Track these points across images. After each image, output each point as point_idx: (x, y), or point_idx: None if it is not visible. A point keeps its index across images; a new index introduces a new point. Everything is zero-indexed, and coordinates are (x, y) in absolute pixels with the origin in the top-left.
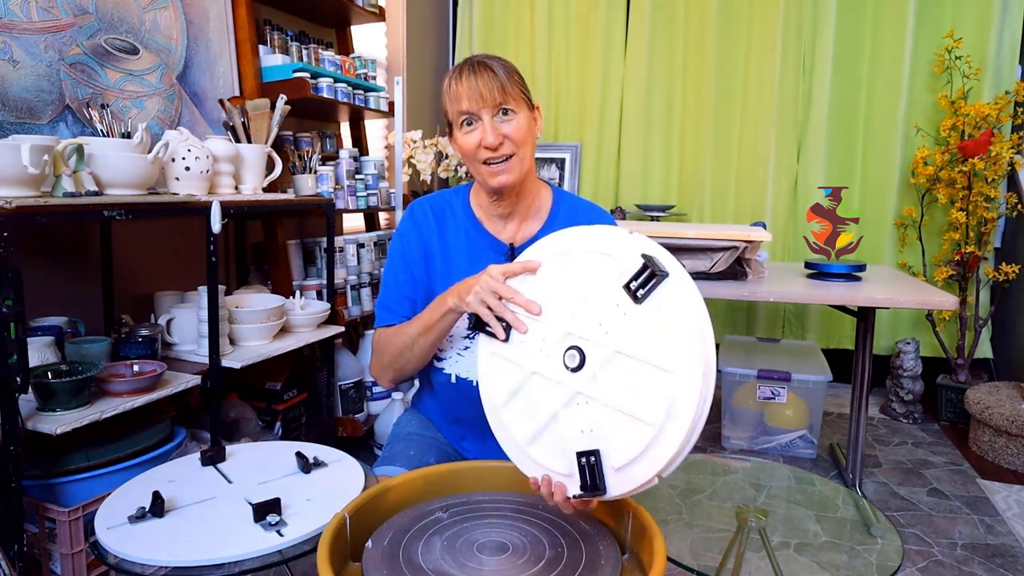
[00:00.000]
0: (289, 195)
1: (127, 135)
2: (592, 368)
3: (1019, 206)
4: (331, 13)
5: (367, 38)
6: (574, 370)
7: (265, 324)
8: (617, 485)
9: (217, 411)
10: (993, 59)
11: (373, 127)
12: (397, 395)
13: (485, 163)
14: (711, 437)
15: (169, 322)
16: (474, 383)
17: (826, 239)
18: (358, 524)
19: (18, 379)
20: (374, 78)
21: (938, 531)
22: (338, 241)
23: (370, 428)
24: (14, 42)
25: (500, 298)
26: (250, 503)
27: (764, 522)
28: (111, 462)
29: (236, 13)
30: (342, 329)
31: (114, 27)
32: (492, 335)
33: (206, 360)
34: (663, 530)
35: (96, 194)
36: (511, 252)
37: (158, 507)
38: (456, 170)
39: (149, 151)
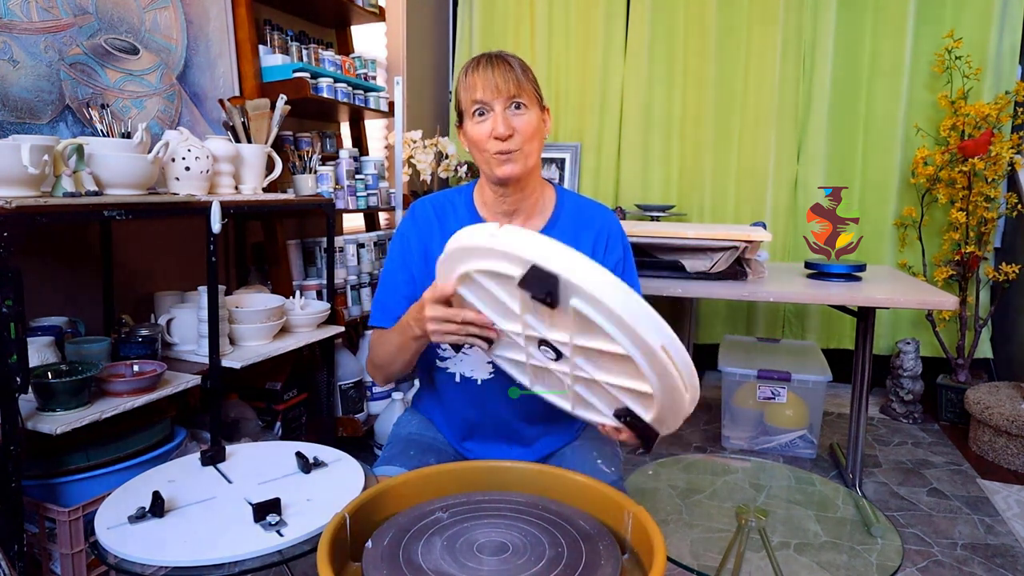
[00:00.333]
0: (289, 195)
1: (127, 135)
2: (570, 358)
3: (1019, 206)
4: (331, 13)
5: (367, 38)
6: (557, 360)
7: (265, 324)
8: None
9: (217, 411)
10: (993, 59)
11: (373, 127)
12: (397, 395)
13: (492, 154)
14: (711, 437)
15: (169, 322)
16: (479, 382)
17: (826, 239)
18: (358, 524)
19: (18, 379)
20: (374, 78)
21: (938, 531)
22: (338, 241)
23: (370, 428)
24: (14, 42)
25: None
26: (250, 503)
27: (764, 522)
28: (111, 462)
29: (236, 13)
30: (342, 329)
31: (114, 27)
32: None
33: (206, 360)
34: (663, 530)
35: (96, 194)
36: None
37: (158, 507)
38: (456, 170)
39: (149, 151)
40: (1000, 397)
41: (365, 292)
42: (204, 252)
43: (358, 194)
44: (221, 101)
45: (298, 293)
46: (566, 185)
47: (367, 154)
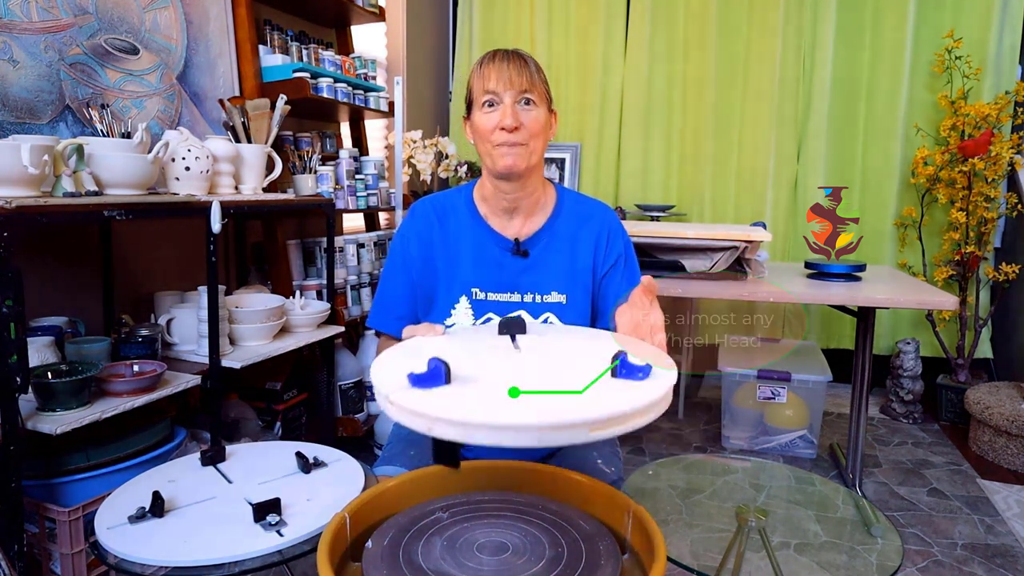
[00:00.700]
0: (289, 195)
1: (127, 135)
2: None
3: (1019, 206)
4: (331, 13)
5: (367, 38)
6: None
7: (265, 324)
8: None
9: (217, 411)
10: (993, 59)
11: (373, 127)
12: None
13: (497, 146)
14: (711, 437)
15: (169, 322)
16: None
17: (826, 239)
18: (358, 524)
19: (18, 379)
20: (374, 78)
21: (938, 531)
22: (338, 241)
23: (370, 428)
24: (14, 42)
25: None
26: (250, 503)
27: (764, 522)
28: (111, 462)
29: (236, 13)
30: (342, 329)
31: (114, 27)
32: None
33: (206, 360)
34: (663, 530)
35: (96, 194)
36: (516, 246)
37: (158, 507)
38: (456, 170)
39: (149, 151)
40: (1000, 397)
41: (365, 292)
42: (204, 252)
43: (358, 194)
44: (221, 101)
45: (298, 293)
46: (566, 185)
47: (367, 154)
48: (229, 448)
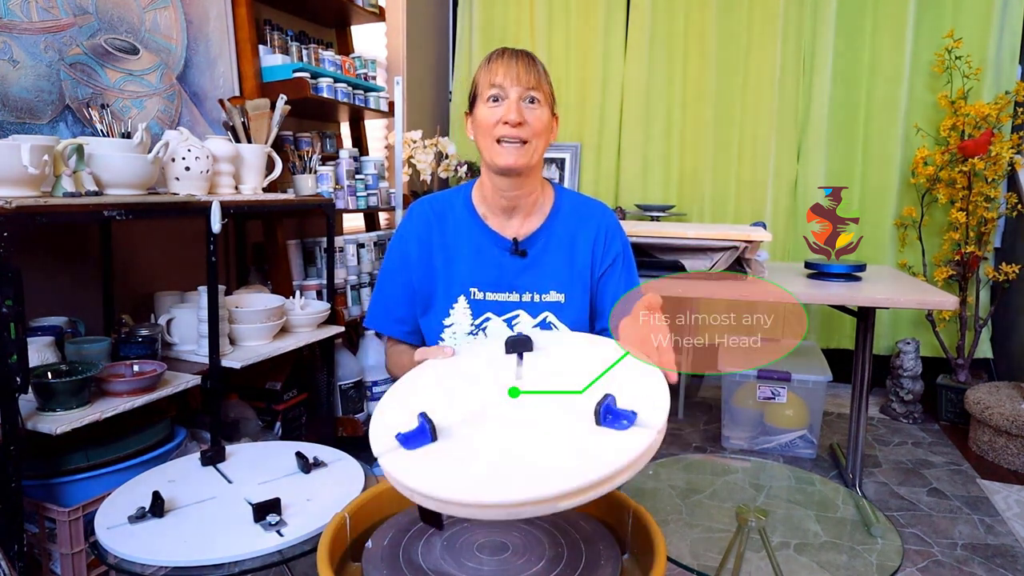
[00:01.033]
0: (289, 195)
1: (127, 135)
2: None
3: (1019, 206)
4: (331, 13)
5: (367, 38)
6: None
7: (265, 324)
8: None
9: (217, 411)
10: (993, 59)
11: (373, 127)
12: None
13: (498, 141)
14: (711, 437)
15: (169, 322)
16: None
17: (826, 239)
18: (358, 524)
19: (18, 379)
20: (374, 78)
21: (938, 531)
22: (338, 241)
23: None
24: (14, 42)
25: None
26: (250, 503)
27: (764, 522)
28: (111, 462)
29: (236, 13)
30: (342, 329)
31: (114, 27)
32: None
33: (206, 360)
34: (663, 530)
35: (96, 194)
36: (515, 246)
37: (158, 507)
38: (456, 170)
39: (149, 151)
40: (1000, 397)
41: (365, 292)
42: (204, 252)
43: (358, 194)
44: (221, 101)
45: (298, 293)
46: (566, 185)
47: (367, 154)
48: (229, 448)
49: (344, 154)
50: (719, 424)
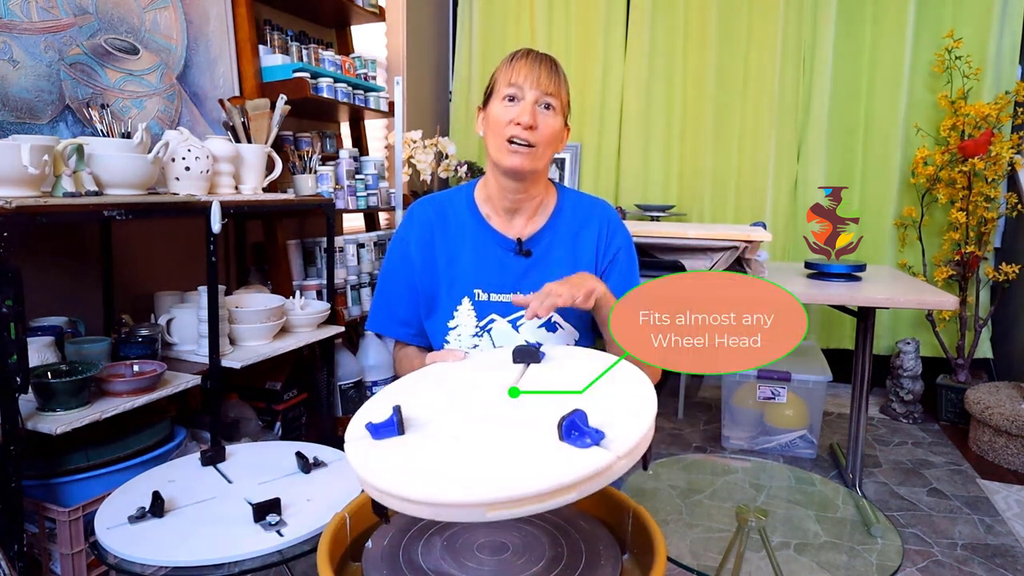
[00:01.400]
0: (289, 195)
1: (127, 135)
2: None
3: (1019, 206)
4: (331, 13)
5: (367, 38)
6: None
7: (265, 324)
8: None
9: (217, 411)
10: (993, 59)
11: (373, 127)
12: None
13: (508, 141)
14: (711, 437)
15: (169, 322)
16: None
17: (826, 239)
18: (358, 524)
19: (18, 379)
20: (374, 78)
21: (938, 531)
22: (338, 241)
23: None
24: (14, 42)
25: None
26: (250, 503)
27: (764, 522)
28: (111, 462)
29: (236, 13)
30: (342, 329)
31: (114, 27)
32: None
33: (206, 360)
34: (663, 530)
35: (96, 194)
36: (519, 246)
37: (158, 507)
38: (456, 170)
39: (149, 151)
40: (1000, 397)
41: (365, 292)
42: (204, 252)
43: (358, 194)
44: (221, 101)
45: (298, 293)
46: (566, 185)
47: (367, 154)
48: (229, 448)
49: (344, 154)
50: (719, 424)
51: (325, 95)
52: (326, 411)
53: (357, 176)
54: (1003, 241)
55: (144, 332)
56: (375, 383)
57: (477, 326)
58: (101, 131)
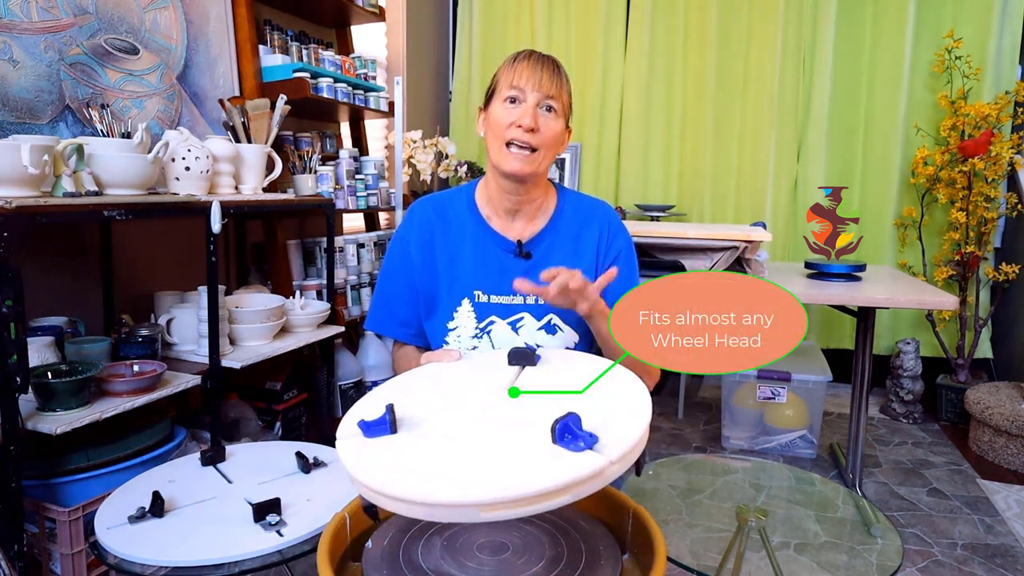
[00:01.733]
0: (289, 195)
1: (127, 135)
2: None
3: (1019, 206)
4: (331, 13)
5: (367, 38)
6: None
7: (265, 324)
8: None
9: (217, 411)
10: (993, 59)
11: (373, 127)
12: None
13: (508, 144)
14: (711, 437)
15: (169, 322)
16: None
17: (826, 239)
18: (358, 524)
19: (18, 379)
20: (374, 78)
21: (938, 531)
22: (338, 241)
23: None
24: (14, 42)
25: None
26: (250, 503)
27: (764, 522)
28: (111, 462)
29: (236, 13)
30: (342, 329)
31: (114, 27)
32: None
33: (206, 360)
34: (663, 530)
35: (96, 194)
36: (519, 248)
37: (158, 507)
38: (456, 170)
39: (149, 151)
40: (1000, 397)
41: (365, 292)
42: (204, 252)
43: (358, 194)
44: (221, 101)
45: (298, 293)
46: (566, 185)
47: (367, 154)
48: (229, 448)
49: (344, 154)
50: (719, 424)
51: (325, 95)
52: (326, 411)
53: (357, 176)
54: (1003, 241)
55: (144, 332)
56: (375, 383)
57: (477, 327)
58: (101, 131)
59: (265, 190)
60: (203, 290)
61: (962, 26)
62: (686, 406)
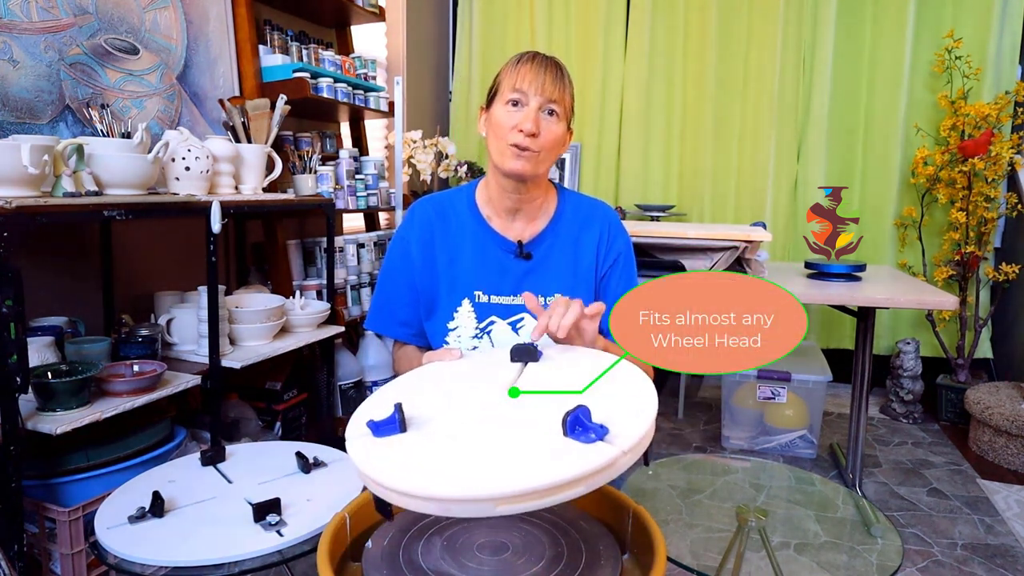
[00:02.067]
0: (289, 195)
1: (127, 135)
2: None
3: (1019, 206)
4: (331, 13)
5: (367, 38)
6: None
7: (265, 324)
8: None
9: (217, 411)
10: (993, 59)
11: (373, 127)
12: None
13: (510, 146)
14: (711, 437)
15: (169, 322)
16: None
17: (826, 239)
18: (358, 524)
19: (18, 379)
20: (374, 78)
21: (938, 531)
22: (338, 241)
23: None
24: (14, 42)
25: None
26: (250, 503)
27: (764, 522)
28: (111, 462)
29: (236, 13)
30: (342, 329)
31: (114, 27)
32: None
33: (206, 360)
34: (663, 530)
35: (96, 194)
36: (520, 249)
37: (158, 507)
38: (456, 170)
39: (149, 151)
40: (1000, 397)
41: (365, 292)
42: (204, 252)
43: (358, 194)
44: (221, 101)
45: (298, 293)
46: (566, 185)
47: (367, 154)
48: (229, 448)
49: (344, 154)
50: (719, 424)
51: (325, 95)
52: (326, 411)
53: (357, 176)
54: (1003, 241)
55: (144, 332)
56: (375, 383)
57: (477, 328)
58: (101, 131)
59: (265, 190)
60: (203, 290)
61: (962, 26)
62: (686, 406)
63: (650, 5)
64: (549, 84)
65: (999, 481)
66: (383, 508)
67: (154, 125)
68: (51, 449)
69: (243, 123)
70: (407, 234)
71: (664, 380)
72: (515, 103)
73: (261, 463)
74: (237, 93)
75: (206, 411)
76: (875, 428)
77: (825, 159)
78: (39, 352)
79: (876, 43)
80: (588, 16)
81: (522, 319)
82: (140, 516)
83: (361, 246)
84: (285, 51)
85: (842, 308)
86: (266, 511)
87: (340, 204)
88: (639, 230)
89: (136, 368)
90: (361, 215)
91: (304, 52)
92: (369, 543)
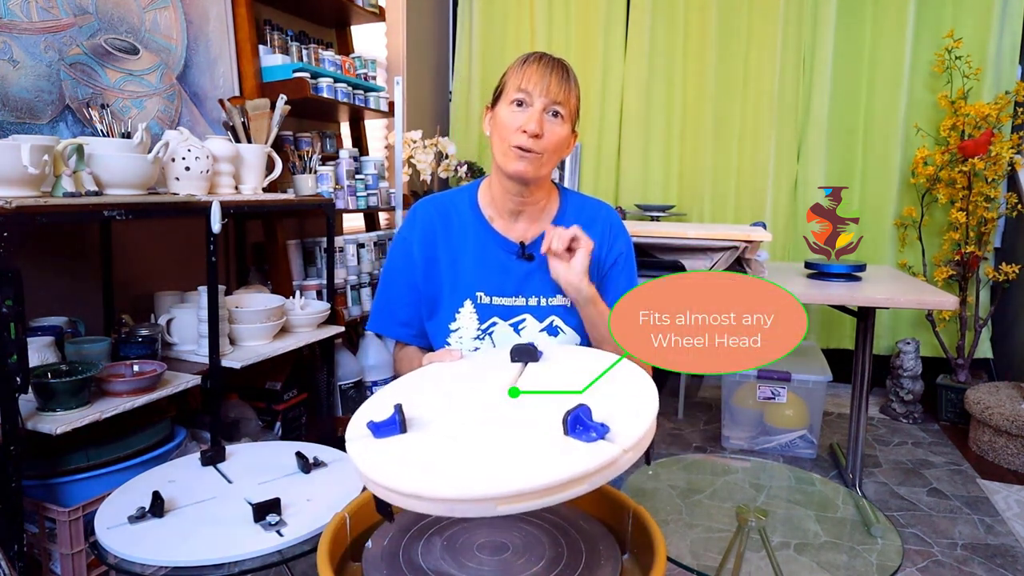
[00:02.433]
0: (289, 195)
1: (127, 135)
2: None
3: (1019, 206)
4: (331, 13)
5: (367, 38)
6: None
7: (265, 324)
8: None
9: (217, 411)
10: (993, 59)
11: (373, 127)
12: None
13: (513, 147)
14: (711, 437)
15: (169, 322)
16: None
17: (826, 239)
18: (358, 524)
19: (18, 379)
20: (374, 78)
21: (938, 531)
22: (338, 241)
23: None
24: (14, 42)
25: None
26: (250, 503)
27: (764, 522)
28: (111, 462)
29: (236, 13)
30: (342, 329)
31: (114, 27)
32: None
33: (206, 360)
34: (663, 530)
35: (96, 194)
36: (522, 250)
37: (158, 507)
38: (456, 170)
39: (149, 151)
40: (1000, 397)
41: (365, 292)
42: (204, 252)
43: (358, 194)
44: (221, 101)
45: (298, 293)
46: (566, 185)
47: (367, 154)
48: (229, 448)
49: (344, 154)
50: (719, 424)
51: (325, 95)
52: (326, 411)
53: (357, 176)
54: (1003, 241)
55: (144, 332)
56: (375, 383)
57: (479, 329)
58: (101, 131)
59: (265, 190)
60: (203, 290)
61: (962, 26)
62: (686, 406)
63: (650, 5)
64: (554, 85)
65: (999, 481)
66: (383, 509)
67: (154, 125)
68: (51, 449)
69: (243, 123)
70: (409, 235)
71: (664, 380)
72: (520, 103)
73: (261, 463)
74: (237, 93)
75: (206, 411)
76: (875, 428)
77: (825, 159)
78: (39, 352)
79: (876, 43)
80: (588, 16)
81: (524, 320)
82: (140, 516)
83: (361, 246)
84: (285, 51)
85: (842, 308)
86: (266, 511)
87: (340, 204)
88: (639, 230)
89: (136, 368)
90: (361, 215)
91: (304, 52)
92: (369, 543)
